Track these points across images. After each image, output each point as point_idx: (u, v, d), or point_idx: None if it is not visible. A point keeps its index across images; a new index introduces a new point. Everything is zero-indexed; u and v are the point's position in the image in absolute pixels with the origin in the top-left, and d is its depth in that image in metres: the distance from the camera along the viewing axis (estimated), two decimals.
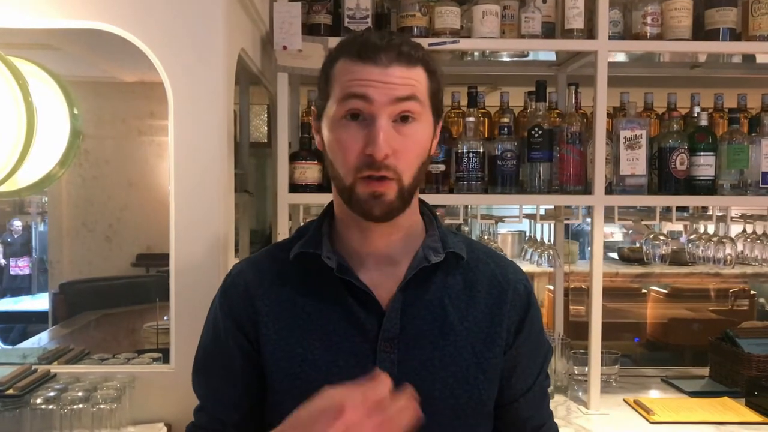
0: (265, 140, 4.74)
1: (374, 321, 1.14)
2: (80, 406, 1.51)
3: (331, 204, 1.23)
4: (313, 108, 1.22)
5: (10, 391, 1.50)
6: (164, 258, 2.41)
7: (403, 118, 1.10)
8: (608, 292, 4.62)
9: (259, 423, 1.22)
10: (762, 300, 4.82)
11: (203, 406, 1.26)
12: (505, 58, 2.84)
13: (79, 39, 2.21)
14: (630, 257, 4.87)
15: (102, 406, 1.52)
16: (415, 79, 1.11)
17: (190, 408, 1.66)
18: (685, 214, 2.64)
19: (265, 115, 4.90)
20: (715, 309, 4.53)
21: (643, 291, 4.63)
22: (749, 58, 2.86)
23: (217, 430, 1.22)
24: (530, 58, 2.83)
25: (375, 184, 1.09)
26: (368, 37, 1.12)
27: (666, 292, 4.57)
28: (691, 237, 2.67)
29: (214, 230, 1.69)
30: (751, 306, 4.47)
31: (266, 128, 4.96)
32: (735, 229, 2.69)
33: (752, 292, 4.54)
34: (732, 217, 2.53)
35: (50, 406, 1.52)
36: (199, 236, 1.68)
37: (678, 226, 3.03)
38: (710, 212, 2.54)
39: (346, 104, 1.09)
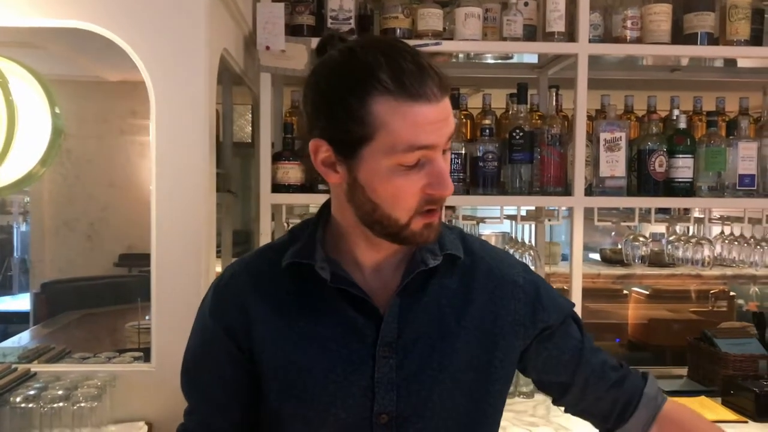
0: (249, 140, 4.75)
1: (372, 326, 1.10)
2: (60, 404, 1.51)
3: (324, 210, 1.18)
4: (318, 142, 1.06)
5: None
6: (147, 258, 2.41)
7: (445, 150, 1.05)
8: (590, 293, 4.65)
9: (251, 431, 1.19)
10: (741, 301, 4.87)
11: (192, 410, 1.21)
12: (490, 60, 2.86)
13: (62, 38, 2.21)
14: (612, 258, 4.89)
15: (83, 405, 1.52)
16: (450, 108, 1.05)
17: (172, 407, 1.66)
18: (666, 216, 2.68)
19: (249, 116, 4.91)
20: (695, 310, 4.57)
21: (625, 292, 4.66)
22: (730, 62, 2.90)
23: None
24: (514, 60, 2.85)
25: (429, 216, 1.06)
26: (401, 64, 1.01)
27: (647, 293, 4.61)
28: (671, 238, 2.71)
29: (195, 230, 1.70)
30: (730, 307, 4.52)
31: (250, 128, 4.97)
32: (716, 230, 2.74)
33: (732, 293, 4.59)
34: (711, 219, 2.57)
35: (30, 405, 1.52)
36: (181, 236, 1.68)
37: (660, 227, 3.07)
38: (692, 214, 2.58)
39: (413, 155, 1.01)
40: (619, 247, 4.94)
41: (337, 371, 1.09)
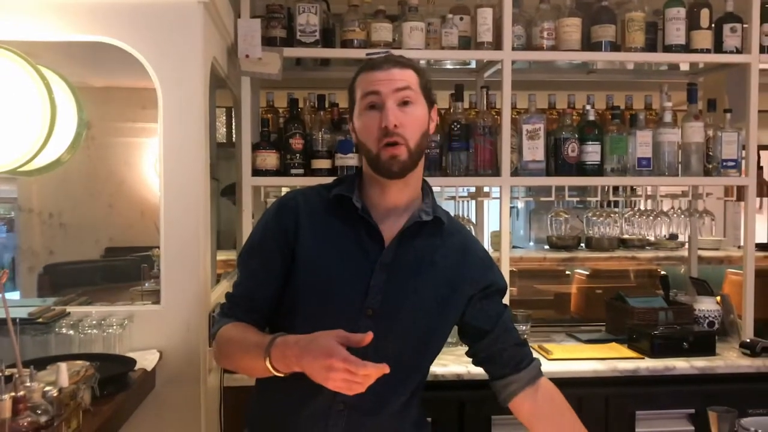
0: (224, 141, 5.14)
1: (377, 250, 1.62)
2: (94, 331, 1.95)
3: (360, 168, 1.71)
4: (350, 116, 1.69)
5: (40, 320, 1.94)
6: (129, 250, 2.85)
7: (405, 103, 1.60)
8: (537, 274, 5.18)
9: (275, 313, 1.66)
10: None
11: (240, 282, 1.68)
12: (449, 66, 3.32)
13: (56, 49, 2.63)
14: (557, 244, 5.41)
15: (111, 331, 1.96)
16: (407, 75, 1.62)
17: (179, 339, 2.12)
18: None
19: (224, 118, 5.30)
20: (630, 287, 5.08)
21: (568, 273, 5.18)
22: (674, 67, 3.36)
23: (250, 300, 1.64)
24: (465, 66, 3.31)
25: (392, 149, 1.58)
26: (374, 57, 1.66)
27: (588, 273, 5.12)
28: (588, 215, 3.20)
29: (194, 200, 2.16)
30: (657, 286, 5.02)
31: (224, 129, 5.36)
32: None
33: (662, 273, 5.12)
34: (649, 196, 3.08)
35: (70, 332, 1.96)
36: (183, 203, 2.14)
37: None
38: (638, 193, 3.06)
39: (366, 99, 1.59)
40: (564, 234, 5.48)
41: (346, 274, 1.61)
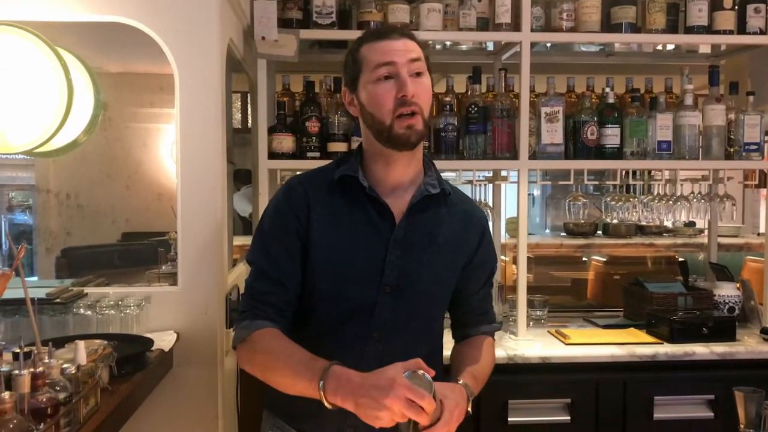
0: (239, 126, 5.11)
1: (387, 228, 1.62)
2: (112, 312, 1.96)
3: (360, 148, 1.70)
4: (344, 89, 1.66)
5: (58, 300, 1.94)
6: (146, 235, 2.84)
7: (417, 74, 1.59)
8: (554, 260, 5.15)
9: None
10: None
11: (264, 275, 1.61)
12: (465, 48, 3.29)
13: (71, 32, 2.63)
14: (574, 230, 5.37)
15: (128, 312, 1.96)
16: (417, 47, 1.62)
17: (195, 320, 2.12)
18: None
19: (239, 103, 5.26)
20: (648, 274, 5.04)
21: (584, 259, 5.15)
22: (695, 49, 3.32)
23: (280, 293, 1.59)
24: (473, 47, 3.29)
25: (408, 119, 1.57)
26: (377, 27, 1.65)
27: (605, 260, 5.09)
28: (607, 199, 3.17)
29: (211, 184, 2.15)
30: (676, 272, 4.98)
31: (239, 115, 5.33)
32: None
33: (681, 259, 5.07)
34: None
35: (87, 312, 1.96)
36: (200, 184, 2.14)
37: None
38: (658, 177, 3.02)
39: (380, 70, 1.56)
40: (582, 221, 5.45)
41: (361, 254, 1.61)
